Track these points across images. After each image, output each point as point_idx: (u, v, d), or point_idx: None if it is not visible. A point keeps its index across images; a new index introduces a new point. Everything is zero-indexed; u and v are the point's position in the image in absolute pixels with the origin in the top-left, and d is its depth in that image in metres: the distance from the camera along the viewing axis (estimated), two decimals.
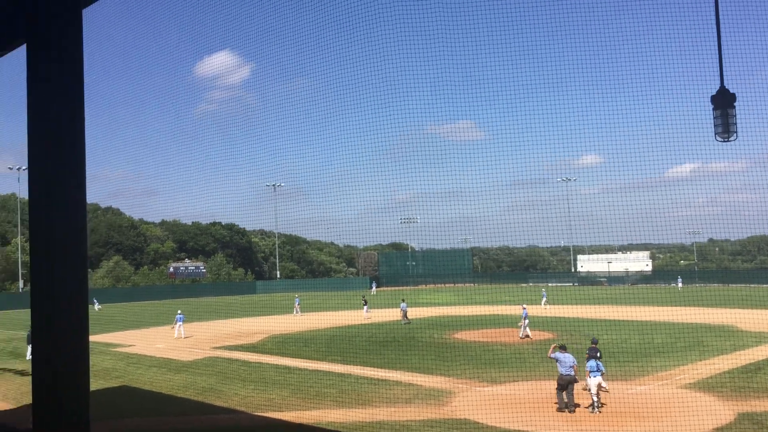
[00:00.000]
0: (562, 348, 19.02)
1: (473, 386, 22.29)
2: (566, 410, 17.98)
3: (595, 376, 18.04)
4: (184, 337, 37.43)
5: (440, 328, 37.62)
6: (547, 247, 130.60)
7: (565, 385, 18.08)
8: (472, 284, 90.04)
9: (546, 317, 42.30)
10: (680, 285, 78.88)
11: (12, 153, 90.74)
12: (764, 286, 61.35)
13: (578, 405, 18.30)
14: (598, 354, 19.18)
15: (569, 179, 75.89)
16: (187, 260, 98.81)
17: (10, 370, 29.09)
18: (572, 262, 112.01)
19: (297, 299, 52.49)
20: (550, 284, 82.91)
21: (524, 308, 34.53)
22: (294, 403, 20.57)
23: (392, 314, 42.84)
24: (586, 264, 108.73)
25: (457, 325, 36.15)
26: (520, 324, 33.93)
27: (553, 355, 18.83)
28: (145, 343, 36.40)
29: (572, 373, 18.05)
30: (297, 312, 50.51)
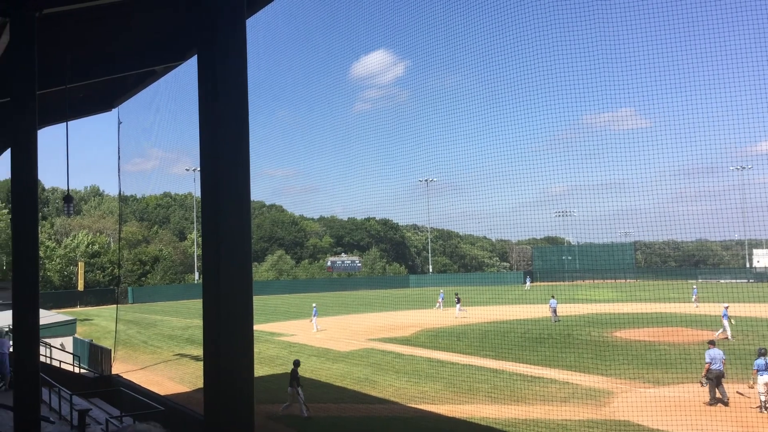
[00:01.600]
0: (711, 343, 19.36)
1: (635, 387, 21.26)
2: (717, 404, 18.09)
3: (762, 375, 17.36)
4: (315, 330, 38.81)
5: (599, 325, 36.07)
6: (718, 241, 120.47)
7: (714, 379, 18.33)
8: (635, 280, 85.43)
9: (709, 316, 39.18)
10: None
11: (191, 156, 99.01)
12: None
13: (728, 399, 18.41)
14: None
15: (744, 167, 69.76)
16: (343, 254, 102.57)
17: (186, 356, 31.85)
18: (747, 257, 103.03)
19: (441, 294, 52.56)
20: (722, 281, 76.67)
21: (726, 307, 31.66)
22: (447, 397, 20.72)
23: (546, 310, 41.68)
24: (763, 259, 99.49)
25: (618, 323, 34.39)
26: (724, 323, 31.01)
27: (707, 356, 18.82)
28: (306, 333, 38.29)
29: (721, 367, 18.35)
30: (439, 306, 50.55)
